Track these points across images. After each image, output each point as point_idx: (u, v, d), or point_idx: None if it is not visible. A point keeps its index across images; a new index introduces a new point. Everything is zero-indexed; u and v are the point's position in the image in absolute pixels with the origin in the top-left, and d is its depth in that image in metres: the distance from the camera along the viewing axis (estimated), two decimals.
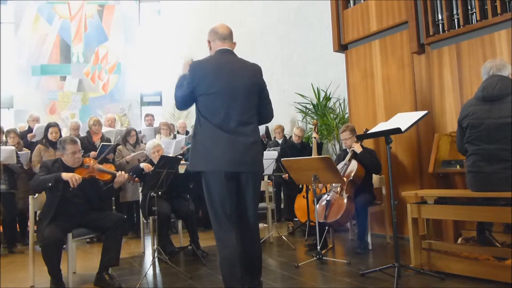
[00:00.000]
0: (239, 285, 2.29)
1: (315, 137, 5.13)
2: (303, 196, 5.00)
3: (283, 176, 5.12)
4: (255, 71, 2.49)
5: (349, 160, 4.02)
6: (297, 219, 5.18)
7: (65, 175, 3.03)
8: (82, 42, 10.43)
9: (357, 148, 3.99)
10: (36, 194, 3.26)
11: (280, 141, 5.96)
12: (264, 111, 2.55)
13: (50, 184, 3.00)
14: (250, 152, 2.38)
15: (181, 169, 4.32)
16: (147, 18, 11.11)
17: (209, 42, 2.53)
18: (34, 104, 9.86)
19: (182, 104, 2.47)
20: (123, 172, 3.35)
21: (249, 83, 2.42)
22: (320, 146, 5.38)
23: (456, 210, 2.89)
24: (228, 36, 2.49)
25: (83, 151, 3.62)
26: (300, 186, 5.03)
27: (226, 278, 2.33)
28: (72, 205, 3.14)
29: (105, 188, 3.39)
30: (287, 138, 6.06)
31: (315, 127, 5.23)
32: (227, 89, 2.36)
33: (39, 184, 3.04)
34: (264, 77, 2.55)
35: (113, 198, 5.33)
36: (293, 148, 5.46)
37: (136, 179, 3.60)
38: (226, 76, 2.38)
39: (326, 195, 4.01)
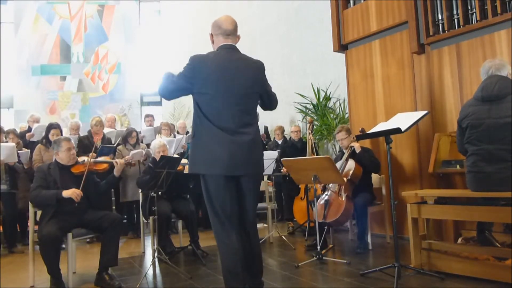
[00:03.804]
0: (241, 286, 2.28)
1: (311, 139, 5.11)
2: (301, 198, 4.99)
3: (282, 170, 4.95)
4: (257, 68, 2.44)
5: (346, 160, 4.02)
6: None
7: (65, 193, 3.06)
8: (82, 42, 10.42)
9: (357, 147, 3.98)
10: None
11: (280, 142, 5.96)
12: (269, 106, 2.57)
13: (50, 203, 3.05)
14: (251, 154, 2.35)
15: (186, 170, 4.31)
16: (147, 18, 11.10)
17: (211, 35, 2.45)
18: (34, 104, 9.84)
19: (171, 95, 2.40)
20: (118, 159, 3.41)
21: (251, 83, 2.38)
22: (313, 148, 5.34)
23: (456, 210, 2.89)
24: (232, 31, 2.41)
25: (77, 149, 3.65)
26: (299, 186, 5.01)
27: (228, 279, 2.31)
28: (70, 204, 3.14)
29: (103, 182, 3.43)
30: (287, 139, 6.06)
31: (309, 125, 5.18)
32: (230, 89, 2.31)
33: (40, 202, 3.11)
34: None
35: (113, 198, 5.34)
36: (293, 147, 5.46)
37: (133, 163, 3.62)
38: (230, 76, 2.32)
39: (324, 195, 4.01)
